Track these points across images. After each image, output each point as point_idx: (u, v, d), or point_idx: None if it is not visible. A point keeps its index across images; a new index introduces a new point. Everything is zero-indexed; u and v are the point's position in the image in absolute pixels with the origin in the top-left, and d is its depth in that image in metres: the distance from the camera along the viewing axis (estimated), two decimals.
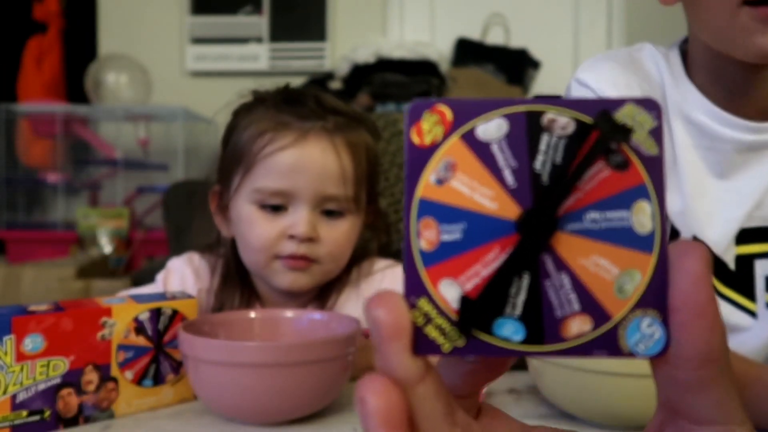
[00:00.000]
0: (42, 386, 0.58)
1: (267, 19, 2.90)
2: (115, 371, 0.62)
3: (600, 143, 0.22)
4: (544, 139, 0.23)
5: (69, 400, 0.60)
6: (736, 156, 0.74)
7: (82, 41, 2.92)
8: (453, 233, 0.23)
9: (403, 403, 0.20)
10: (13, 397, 0.57)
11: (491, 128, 0.23)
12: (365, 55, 2.41)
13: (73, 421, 0.60)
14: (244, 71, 2.86)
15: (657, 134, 0.23)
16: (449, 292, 0.22)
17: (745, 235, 0.75)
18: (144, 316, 0.64)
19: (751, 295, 0.76)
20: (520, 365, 0.68)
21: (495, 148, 0.23)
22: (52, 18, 2.81)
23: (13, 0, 2.88)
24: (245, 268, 0.85)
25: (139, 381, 0.64)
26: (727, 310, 0.76)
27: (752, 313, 0.76)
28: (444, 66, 2.48)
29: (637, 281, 0.22)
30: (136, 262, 2.47)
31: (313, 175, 0.78)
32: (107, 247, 2.44)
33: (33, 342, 0.58)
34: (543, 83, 2.67)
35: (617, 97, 0.21)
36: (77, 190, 2.80)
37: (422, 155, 0.23)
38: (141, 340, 0.64)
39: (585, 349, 0.22)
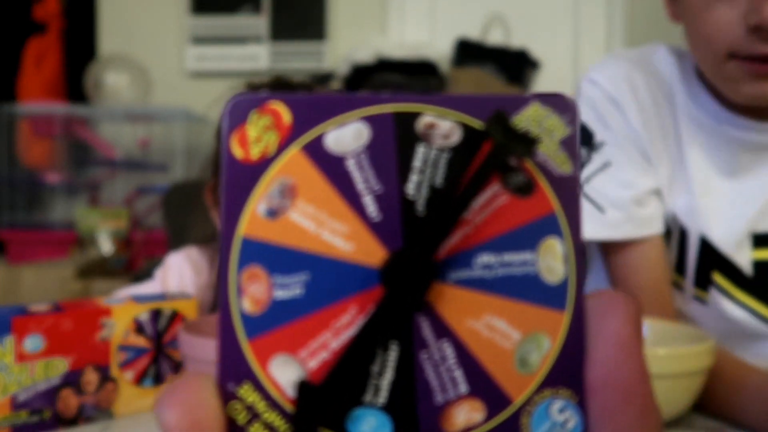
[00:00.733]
0: (42, 386, 0.58)
1: (267, 19, 2.90)
2: (115, 372, 0.63)
3: (494, 158, 0.16)
4: (420, 152, 0.17)
5: (69, 401, 0.60)
6: (743, 155, 0.75)
7: (82, 41, 2.92)
8: (290, 288, 0.16)
9: None
10: (13, 397, 0.57)
11: (346, 136, 0.17)
12: (365, 55, 2.41)
13: (73, 422, 0.60)
14: (244, 71, 2.86)
15: (571, 145, 0.17)
16: (284, 375, 0.16)
17: (763, 240, 0.75)
18: (144, 317, 0.64)
19: (767, 301, 0.76)
20: None
21: (351, 165, 0.17)
22: (51, 18, 2.81)
23: (13, 0, 2.88)
24: None
25: (139, 381, 0.64)
26: (742, 316, 0.76)
27: (766, 320, 0.76)
28: (444, 66, 2.48)
29: (545, 350, 0.17)
30: (135, 263, 2.47)
31: None
32: (107, 247, 2.43)
33: (33, 342, 0.58)
34: (543, 83, 2.67)
35: (518, 94, 0.17)
36: (77, 191, 2.80)
37: (247, 174, 0.16)
38: (141, 341, 0.64)
39: None
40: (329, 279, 0.16)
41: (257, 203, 0.16)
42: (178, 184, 1.36)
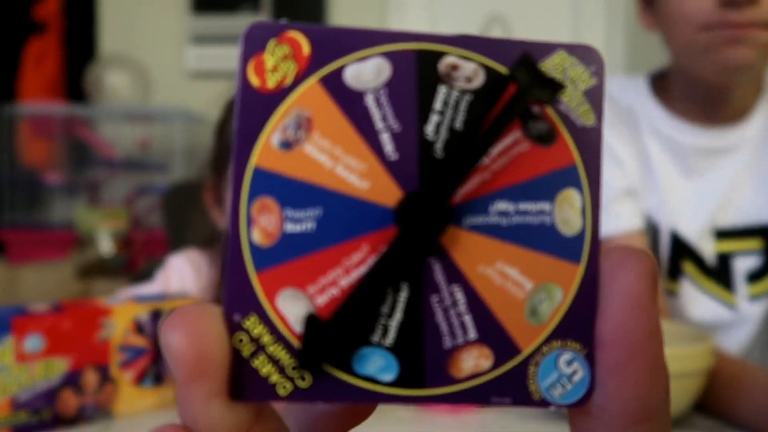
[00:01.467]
0: (42, 387, 0.58)
1: (266, 18, 2.90)
2: (114, 372, 0.63)
3: (517, 102, 0.16)
4: (441, 93, 0.16)
5: (69, 401, 0.60)
6: (697, 159, 0.83)
7: (82, 41, 2.92)
8: (302, 222, 0.16)
9: None
10: (13, 397, 0.57)
11: (366, 71, 0.16)
12: None
13: (73, 422, 0.60)
14: None
15: (595, 97, 0.17)
16: (292, 309, 0.16)
17: (723, 234, 0.83)
18: (144, 317, 0.64)
19: (730, 288, 0.83)
20: None
21: (370, 101, 0.16)
22: (51, 18, 2.81)
23: (13, 0, 2.88)
24: None
25: (138, 382, 0.64)
26: (707, 304, 0.82)
27: (731, 306, 0.82)
28: None
29: (556, 301, 0.16)
30: (135, 263, 2.47)
31: None
32: (107, 247, 2.43)
33: (33, 342, 0.58)
34: None
35: (547, 41, 0.17)
36: (77, 191, 2.80)
37: (262, 104, 0.16)
38: (141, 341, 0.64)
39: (480, 394, 0.16)
40: (342, 216, 0.16)
41: (271, 134, 0.16)
42: (177, 184, 1.36)
